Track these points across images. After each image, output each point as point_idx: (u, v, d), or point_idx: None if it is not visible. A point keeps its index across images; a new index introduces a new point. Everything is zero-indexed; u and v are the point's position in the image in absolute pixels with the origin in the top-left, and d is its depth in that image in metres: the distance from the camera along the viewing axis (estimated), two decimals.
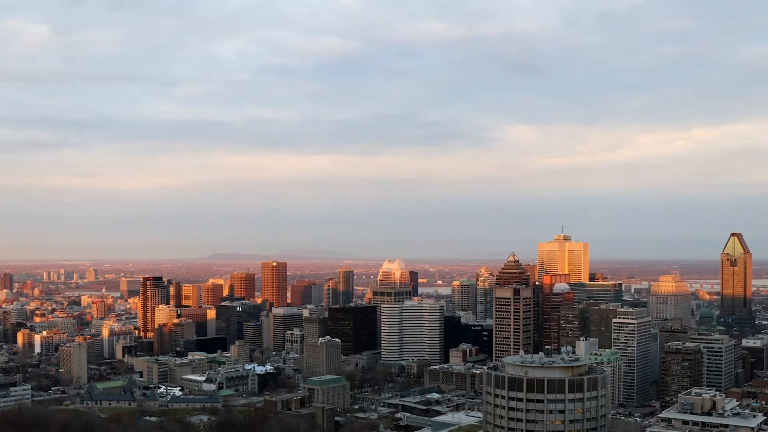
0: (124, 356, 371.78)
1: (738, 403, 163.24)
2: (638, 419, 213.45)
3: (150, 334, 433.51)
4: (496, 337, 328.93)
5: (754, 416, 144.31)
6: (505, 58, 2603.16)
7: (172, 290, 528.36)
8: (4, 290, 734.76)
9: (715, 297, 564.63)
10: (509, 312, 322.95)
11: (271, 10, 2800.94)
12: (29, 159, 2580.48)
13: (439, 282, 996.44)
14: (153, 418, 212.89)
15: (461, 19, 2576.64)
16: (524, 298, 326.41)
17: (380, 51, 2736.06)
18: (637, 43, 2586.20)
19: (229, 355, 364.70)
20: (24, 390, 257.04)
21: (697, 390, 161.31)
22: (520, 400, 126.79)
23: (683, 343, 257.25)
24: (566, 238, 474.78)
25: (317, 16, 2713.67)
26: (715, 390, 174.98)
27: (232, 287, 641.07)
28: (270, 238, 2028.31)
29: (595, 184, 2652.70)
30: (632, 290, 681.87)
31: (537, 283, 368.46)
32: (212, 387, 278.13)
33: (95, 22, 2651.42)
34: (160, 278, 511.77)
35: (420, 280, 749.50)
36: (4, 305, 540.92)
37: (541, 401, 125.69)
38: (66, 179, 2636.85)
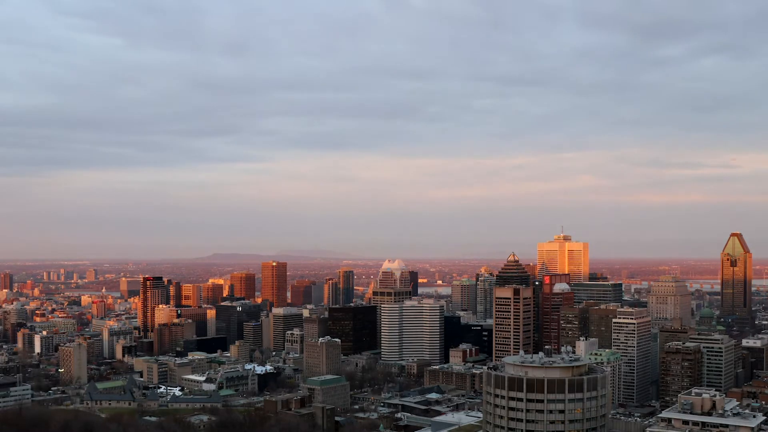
0: (124, 356, 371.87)
1: (738, 403, 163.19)
2: (638, 419, 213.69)
3: (150, 334, 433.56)
4: (496, 337, 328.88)
5: (754, 416, 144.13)
6: (684, 104, 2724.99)
7: (172, 290, 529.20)
8: (4, 290, 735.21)
9: (717, 297, 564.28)
10: (509, 312, 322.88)
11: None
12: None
13: (439, 282, 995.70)
14: (153, 418, 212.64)
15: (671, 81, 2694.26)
16: (524, 298, 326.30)
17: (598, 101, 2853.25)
18: None
19: (229, 355, 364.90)
20: (24, 390, 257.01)
21: (697, 390, 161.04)
22: (520, 400, 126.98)
23: (683, 343, 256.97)
24: (566, 238, 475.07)
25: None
26: (715, 390, 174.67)
27: (232, 287, 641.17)
28: (270, 238, 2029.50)
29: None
30: (632, 290, 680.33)
31: (537, 283, 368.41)
32: (212, 387, 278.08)
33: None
34: (160, 278, 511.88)
35: (420, 280, 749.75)
36: (4, 305, 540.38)
37: (541, 401, 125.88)
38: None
